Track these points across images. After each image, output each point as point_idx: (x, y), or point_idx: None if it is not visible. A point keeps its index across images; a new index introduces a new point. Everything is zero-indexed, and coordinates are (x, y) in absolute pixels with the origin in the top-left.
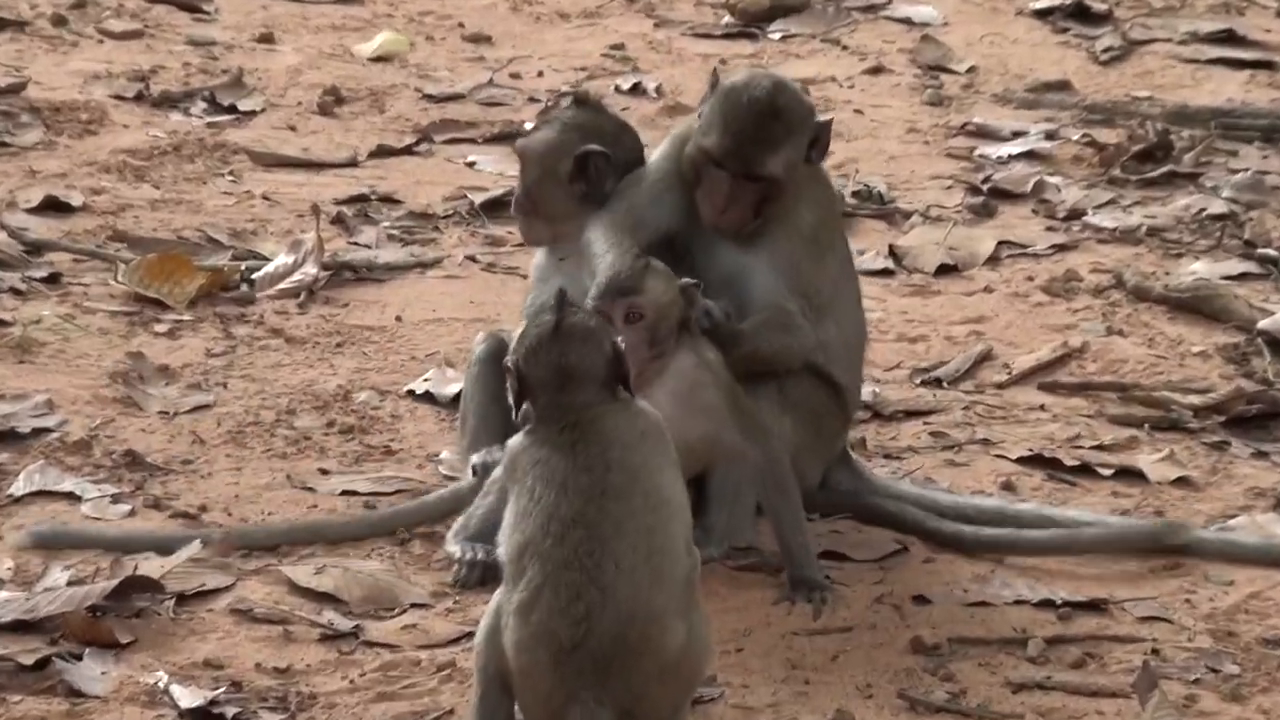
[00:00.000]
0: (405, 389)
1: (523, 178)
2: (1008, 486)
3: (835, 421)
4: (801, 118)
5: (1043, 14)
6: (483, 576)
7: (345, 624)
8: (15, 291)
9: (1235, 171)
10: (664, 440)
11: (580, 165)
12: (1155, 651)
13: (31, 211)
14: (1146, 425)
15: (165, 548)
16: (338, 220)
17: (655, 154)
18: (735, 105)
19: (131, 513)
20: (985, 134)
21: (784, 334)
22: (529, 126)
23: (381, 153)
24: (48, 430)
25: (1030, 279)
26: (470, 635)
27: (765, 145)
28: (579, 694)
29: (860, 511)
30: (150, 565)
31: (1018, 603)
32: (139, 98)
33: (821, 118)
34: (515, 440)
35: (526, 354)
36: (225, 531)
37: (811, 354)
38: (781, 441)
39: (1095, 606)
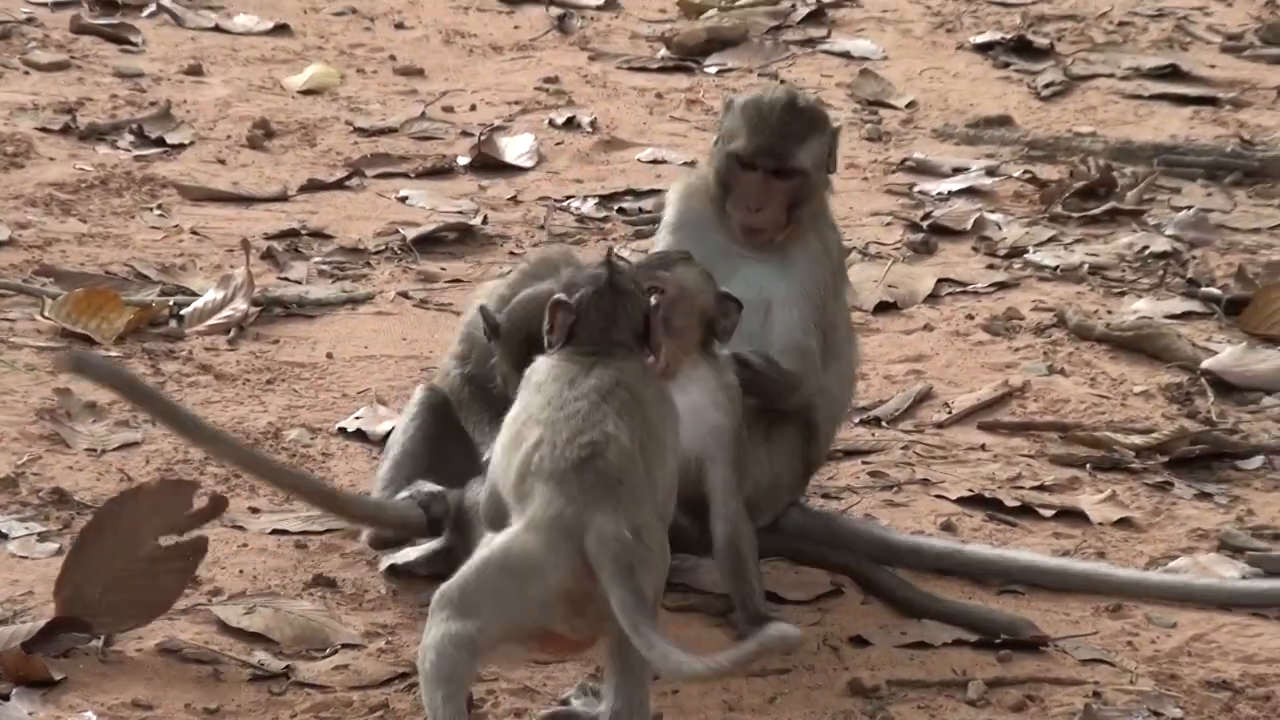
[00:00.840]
0: (336, 427)
1: None
2: (948, 527)
3: (801, 465)
4: (822, 117)
5: (984, 49)
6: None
7: (276, 664)
8: None
9: (1178, 209)
10: (670, 406)
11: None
12: (1097, 694)
13: None
14: (1088, 466)
15: None
16: (268, 255)
17: (664, 220)
18: (758, 107)
19: (59, 551)
20: (925, 170)
21: (799, 374)
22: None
23: (312, 187)
24: None
25: (971, 317)
26: (403, 676)
27: (793, 138)
28: (596, 505)
29: (803, 555)
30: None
31: (957, 643)
32: (66, 130)
33: (835, 122)
34: (540, 359)
35: (582, 293)
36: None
37: (811, 398)
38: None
39: (1036, 648)
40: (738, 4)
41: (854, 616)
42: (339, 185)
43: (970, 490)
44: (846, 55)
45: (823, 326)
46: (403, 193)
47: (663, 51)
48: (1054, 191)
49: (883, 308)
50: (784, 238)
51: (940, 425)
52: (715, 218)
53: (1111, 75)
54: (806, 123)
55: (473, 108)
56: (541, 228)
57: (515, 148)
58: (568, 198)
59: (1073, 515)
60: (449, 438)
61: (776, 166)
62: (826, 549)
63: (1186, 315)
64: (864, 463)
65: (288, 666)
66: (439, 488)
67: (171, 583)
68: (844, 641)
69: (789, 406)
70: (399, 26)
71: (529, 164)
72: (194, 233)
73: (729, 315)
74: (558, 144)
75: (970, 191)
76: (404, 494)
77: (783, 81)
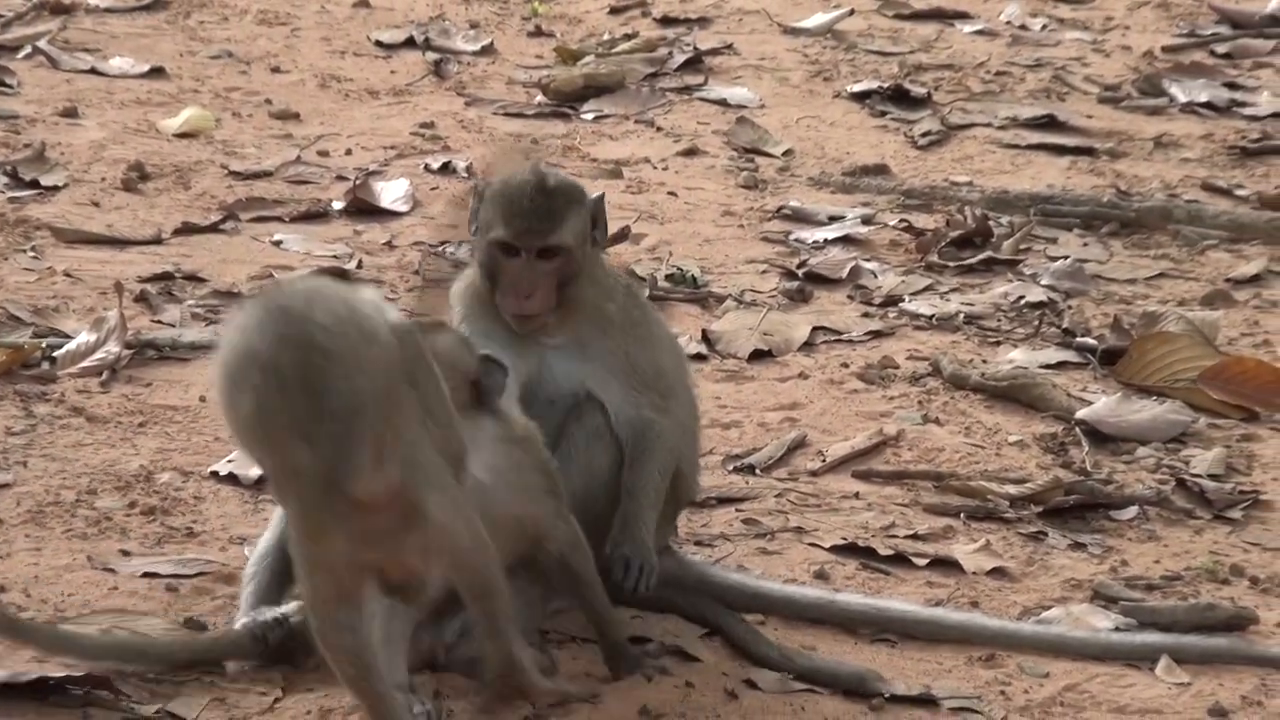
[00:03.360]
0: (209, 470)
1: None
2: (821, 576)
3: (671, 508)
4: (577, 191)
5: (860, 97)
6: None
7: (148, 708)
8: None
9: (1055, 259)
10: None
11: None
12: None
13: None
14: (962, 515)
15: None
16: (141, 298)
17: (456, 322)
18: (510, 191)
19: None
20: (801, 218)
21: (662, 452)
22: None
23: (186, 230)
24: None
25: (845, 365)
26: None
27: (551, 217)
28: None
29: (680, 606)
30: None
31: (833, 692)
32: None
33: (592, 194)
34: None
35: None
36: None
37: (680, 441)
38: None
39: (910, 698)
40: (614, 51)
41: (730, 663)
42: (213, 229)
43: (844, 539)
44: (723, 103)
45: (644, 384)
46: (277, 237)
47: (539, 98)
48: (930, 240)
49: (757, 355)
50: (557, 319)
51: (814, 473)
52: (492, 310)
53: (989, 125)
54: (563, 198)
55: (348, 152)
56: (416, 273)
57: (390, 192)
58: (443, 243)
59: (947, 564)
60: None
61: (540, 246)
62: (695, 598)
63: (1062, 365)
64: (737, 510)
65: (160, 710)
66: (280, 612)
67: None
68: (718, 689)
69: (662, 464)
70: (275, 70)
71: (404, 209)
72: (67, 275)
73: (492, 376)
74: (433, 189)
75: (846, 240)
76: (242, 620)
77: (533, 158)
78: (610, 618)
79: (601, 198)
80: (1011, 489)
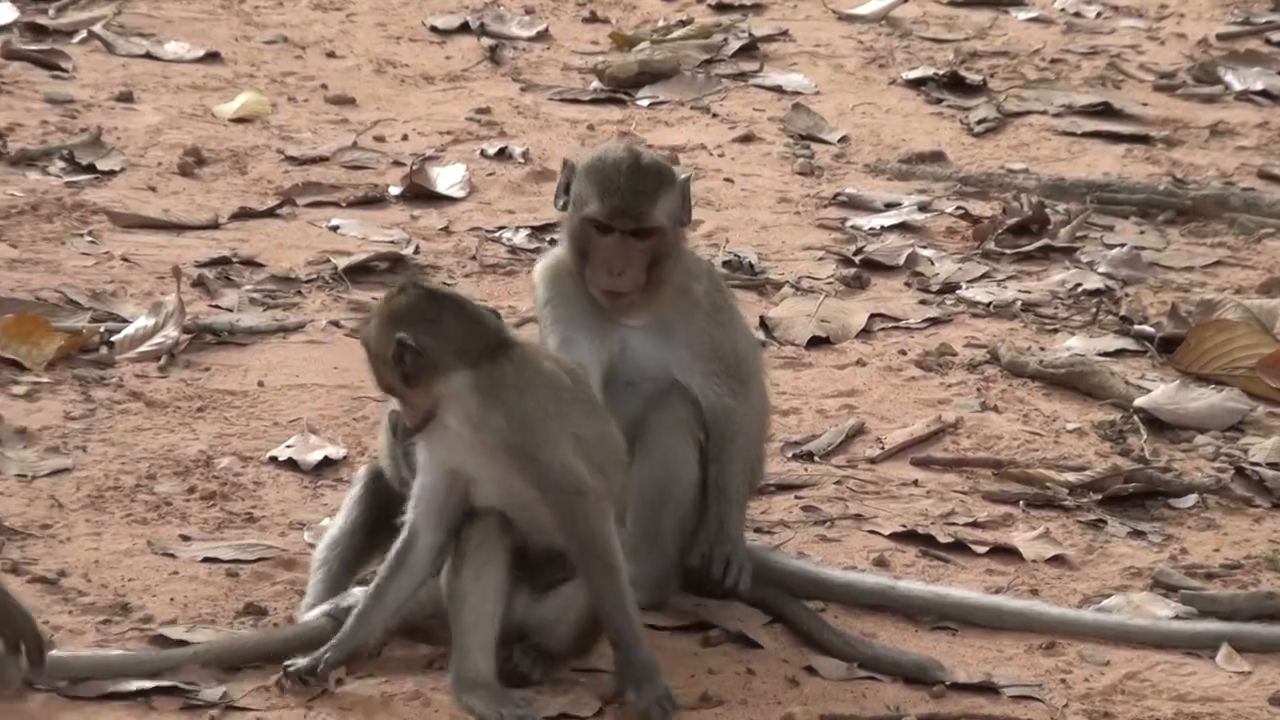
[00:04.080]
0: (267, 455)
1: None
2: (881, 563)
3: None
4: (668, 171)
5: (916, 84)
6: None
7: (213, 692)
8: None
9: (1111, 246)
10: None
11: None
12: None
13: None
14: (1021, 502)
15: None
16: (199, 283)
17: (539, 301)
18: (605, 168)
19: None
20: (857, 205)
21: (745, 443)
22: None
23: (243, 215)
24: None
25: (903, 353)
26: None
27: (646, 196)
28: None
29: (746, 595)
30: None
31: (895, 679)
32: None
33: (681, 174)
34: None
35: None
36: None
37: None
38: None
39: (971, 685)
40: (670, 37)
41: (792, 650)
42: (270, 214)
43: (903, 526)
44: (779, 89)
45: (725, 370)
46: (334, 222)
47: (595, 83)
48: (986, 228)
49: (815, 342)
50: (644, 298)
51: (873, 460)
52: (584, 290)
53: (1044, 112)
54: (656, 178)
55: (404, 137)
56: (473, 258)
57: (447, 178)
58: (499, 228)
59: (1006, 552)
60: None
61: (634, 227)
62: (757, 584)
63: (1120, 353)
64: (797, 497)
65: (224, 695)
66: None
67: None
68: (780, 675)
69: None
70: (330, 55)
71: (461, 194)
72: (125, 259)
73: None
74: (489, 174)
75: (903, 227)
76: (323, 608)
77: (625, 134)
78: (631, 633)
79: (689, 178)
80: (1070, 476)
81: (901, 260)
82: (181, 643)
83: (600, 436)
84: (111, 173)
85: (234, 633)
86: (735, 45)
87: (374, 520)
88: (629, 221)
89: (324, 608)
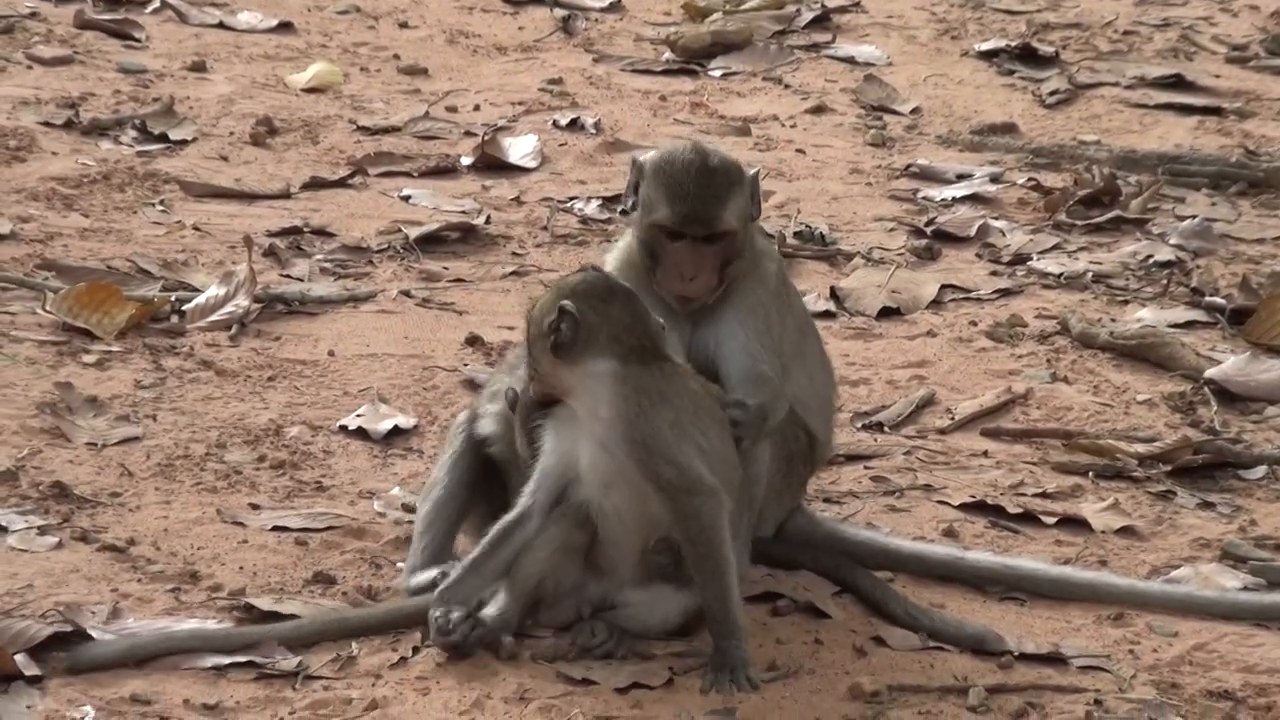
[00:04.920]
0: (338, 425)
1: None
2: (950, 534)
3: (805, 470)
4: (737, 171)
5: (988, 56)
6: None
7: (288, 662)
8: None
9: (1183, 218)
10: None
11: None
12: (1098, 702)
13: None
14: (1091, 473)
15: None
16: (270, 252)
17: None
18: (674, 172)
19: (59, 545)
20: (929, 176)
21: (768, 403)
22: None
23: (315, 185)
24: None
25: (974, 324)
26: (400, 665)
27: (716, 201)
28: None
29: (815, 565)
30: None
31: (964, 649)
32: (68, 125)
33: (749, 170)
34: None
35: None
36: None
37: (784, 413)
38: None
39: (1039, 656)
40: (742, 8)
41: (860, 620)
42: (342, 183)
43: (972, 496)
44: (851, 61)
45: (773, 348)
46: (405, 192)
47: (667, 54)
48: (1058, 199)
49: (886, 313)
50: (717, 298)
51: (943, 431)
52: (650, 284)
53: (1116, 84)
54: (725, 180)
55: (476, 108)
56: (544, 228)
57: (519, 148)
58: (571, 199)
59: (1075, 523)
60: (490, 477)
61: (705, 233)
62: (825, 555)
63: (1190, 324)
64: (866, 468)
65: (300, 663)
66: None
67: None
68: (847, 645)
69: (771, 432)
70: (403, 26)
71: (532, 164)
72: (196, 229)
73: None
74: (561, 145)
75: (974, 198)
76: (432, 573)
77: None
78: (733, 627)
79: (758, 174)
80: (1140, 448)
81: (973, 231)
82: (273, 615)
83: (723, 458)
84: (183, 142)
85: (335, 607)
86: (808, 16)
87: (475, 479)
88: (700, 228)
89: (432, 573)
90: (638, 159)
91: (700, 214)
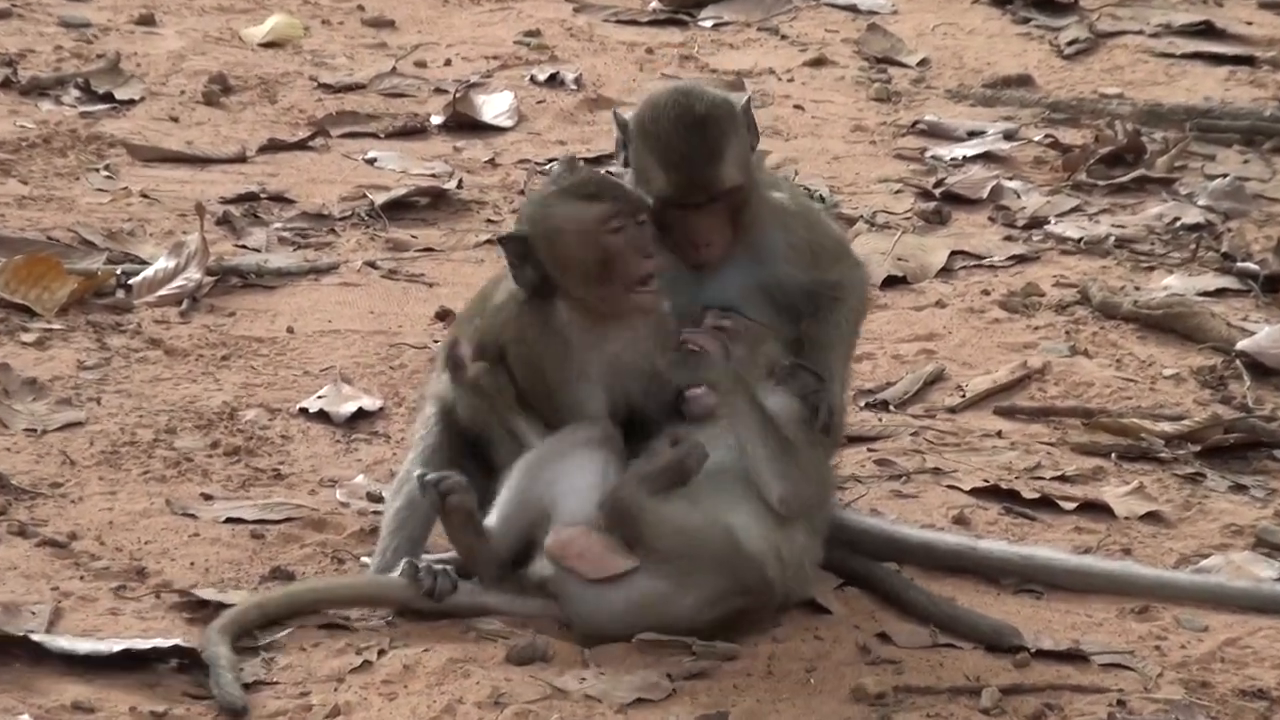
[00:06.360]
0: (297, 407)
1: None
2: (960, 521)
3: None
4: (727, 109)
5: (1001, 2)
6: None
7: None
8: None
9: (1212, 177)
10: None
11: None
12: (1121, 703)
13: None
14: (1113, 455)
15: None
16: (224, 221)
17: None
18: (661, 134)
19: None
20: (938, 133)
21: (853, 300)
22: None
23: (273, 147)
24: None
25: (986, 293)
26: (363, 668)
27: (713, 160)
28: None
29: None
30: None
31: (974, 646)
32: (5, 84)
33: (738, 98)
34: None
35: None
36: None
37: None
38: None
39: (1057, 653)
40: None
41: (864, 616)
42: (302, 146)
43: (985, 481)
44: (853, 9)
45: (830, 257)
46: (371, 154)
47: (654, 3)
48: (1077, 158)
49: (891, 282)
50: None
51: (953, 410)
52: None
53: (1140, 32)
54: (718, 129)
55: (447, 63)
56: (521, 193)
57: (493, 106)
58: (550, 160)
59: (1096, 509)
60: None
61: (709, 197)
62: (827, 545)
63: (1221, 292)
64: (870, 450)
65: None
66: (438, 561)
67: None
68: (850, 643)
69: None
70: None
71: (508, 124)
72: (144, 196)
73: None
74: (539, 102)
75: (987, 157)
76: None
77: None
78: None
79: (749, 101)
80: (1167, 427)
81: (985, 193)
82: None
83: None
84: (130, 102)
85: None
86: None
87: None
88: (701, 195)
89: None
90: (620, 114)
91: (699, 180)
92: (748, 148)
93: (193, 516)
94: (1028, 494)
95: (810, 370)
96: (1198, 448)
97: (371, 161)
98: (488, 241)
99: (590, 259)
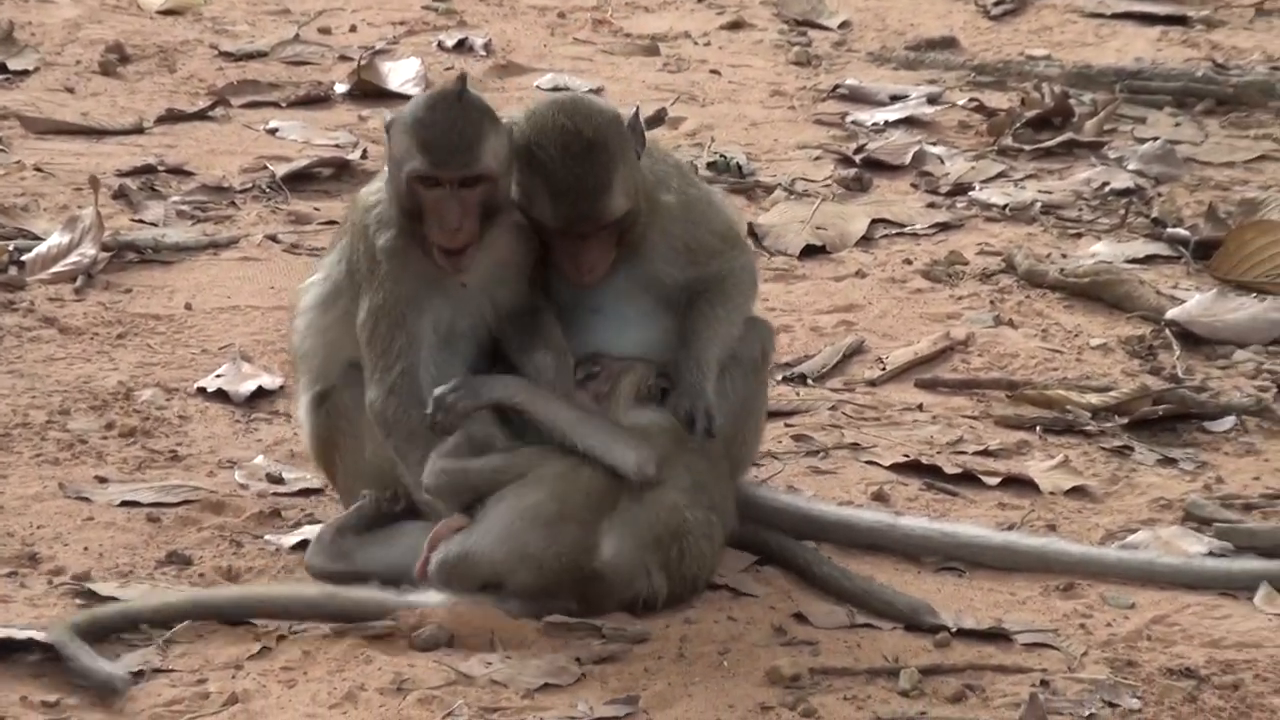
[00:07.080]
0: (195, 386)
1: None
2: (880, 497)
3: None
4: (614, 129)
5: None
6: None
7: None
8: None
9: (1143, 141)
10: None
11: None
12: (1045, 683)
13: None
14: (1038, 428)
15: None
16: (120, 194)
17: None
18: (548, 164)
19: None
20: (859, 98)
21: (732, 293)
22: None
23: (171, 118)
24: None
25: (908, 262)
26: (262, 655)
27: (601, 191)
28: None
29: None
30: None
31: (895, 626)
32: None
33: (624, 111)
34: None
35: None
36: None
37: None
38: None
39: (979, 632)
40: None
41: (780, 595)
42: (201, 116)
43: (906, 456)
44: None
45: (711, 252)
46: (272, 124)
47: None
48: (1003, 122)
49: (810, 251)
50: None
51: (873, 383)
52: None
53: None
54: (605, 154)
55: (352, 29)
56: None
57: (400, 73)
58: None
59: (1020, 484)
60: None
61: (596, 227)
62: (741, 522)
63: (1150, 259)
64: (787, 425)
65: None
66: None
67: None
68: (765, 624)
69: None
70: None
71: (415, 91)
72: (38, 169)
73: None
74: (448, 69)
75: (909, 122)
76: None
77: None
78: None
79: (637, 113)
80: (1093, 398)
81: (907, 159)
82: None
83: None
84: (24, 73)
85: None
86: None
87: None
88: (588, 225)
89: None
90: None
91: (585, 212)
92: (634, 164)
93: (87, 500)
94: (950, 469)
95: (683, 379)
96: (1125, 420)
97: (273, 132)
98: None
99: (402, 192)
